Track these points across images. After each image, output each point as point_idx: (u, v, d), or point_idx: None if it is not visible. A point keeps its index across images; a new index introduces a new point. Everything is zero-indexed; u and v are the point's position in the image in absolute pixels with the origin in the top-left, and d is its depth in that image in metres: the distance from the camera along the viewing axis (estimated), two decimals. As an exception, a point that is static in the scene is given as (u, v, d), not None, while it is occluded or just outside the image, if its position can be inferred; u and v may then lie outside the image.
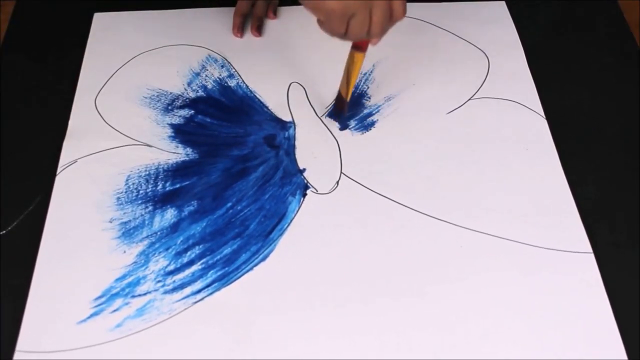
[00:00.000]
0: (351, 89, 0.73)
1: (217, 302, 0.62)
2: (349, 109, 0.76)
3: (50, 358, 0.58)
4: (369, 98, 0.78)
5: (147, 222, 0.67)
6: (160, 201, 0.68)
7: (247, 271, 0.64)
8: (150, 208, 0.68)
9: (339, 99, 0.75)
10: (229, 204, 0.68)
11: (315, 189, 0.70)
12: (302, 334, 0.60)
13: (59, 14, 0.86)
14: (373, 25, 0.62)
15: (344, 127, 0.75)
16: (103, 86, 0.78)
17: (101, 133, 0.74)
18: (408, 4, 0.86)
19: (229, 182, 0.70)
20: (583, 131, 0.75)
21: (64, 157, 0.72)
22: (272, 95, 0.78)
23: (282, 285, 0.63)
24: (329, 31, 0.64)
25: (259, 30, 0.84)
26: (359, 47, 0.68)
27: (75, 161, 0.71)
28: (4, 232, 0.67)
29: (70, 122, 0.75)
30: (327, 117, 0.76)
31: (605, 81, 0.80)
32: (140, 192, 0.69)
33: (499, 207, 0.68)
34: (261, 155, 0.72)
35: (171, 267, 0.64)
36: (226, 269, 0.64)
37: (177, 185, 0.70)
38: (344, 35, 0.63)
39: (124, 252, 0.65)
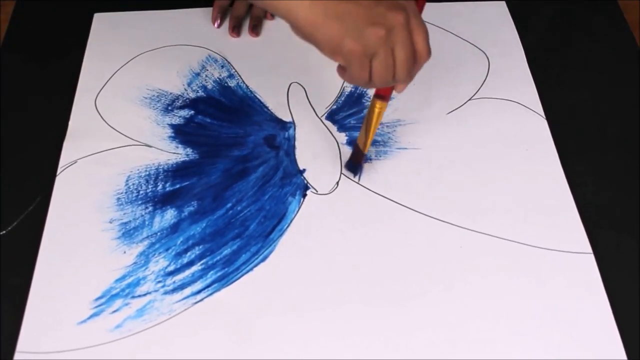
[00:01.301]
0: (369, 141, 0.68)
1: (217, 303, 0.62)
2: (351, 108, 0.76)
3: (51, 358, 0.59)
4: (369, 98, 0.78)
5: (147, 222, 0.67)
6: (160, 202, 0.68)
7: (247, 272, 0.64)
8: (150, 208, 0.68)
9: (356, 150, 0.70)
10: (229, 205, 0.68)
11: (315, 189, 0.70)
12: (302, 334, 0.60)
13: (59, 14, 0.86)
14: (398, 66, 0.57)
15: (359, 176, 0.71)
16: (103, 86, 0.78)
17: (101, 133, 0.74)
18: (408, 4, 0.87)
19: (228, 182, 0.70)
20: (583, 131, 0.75)
21: (64, 158, 0.72)
22: (272, 96, 0.78)
23: (282, 285, 0.63)
24: (352, 79, 0.59)
25: (255, 30, 0.84)
26: (383, 95, 0.65)
27: (76, 162, 0.71)
28: (4, 232, 0.67)
29: (70, 123, 0.75)
30: (344, 169, 0.71)
31: (605, 81, 0.80)
32: (140, 192, 0.69)
33: (499, 207, 0.68)
34: (261, 155, 0.72)
35: (171, 268, 0.64)
36: (226, 269, 0.64)
37: (177, 186, 0.70)
38: (368, 82, 0.58)
39: (124, 252, 0.65)
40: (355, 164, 0.71)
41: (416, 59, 0.58)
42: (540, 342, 0.60)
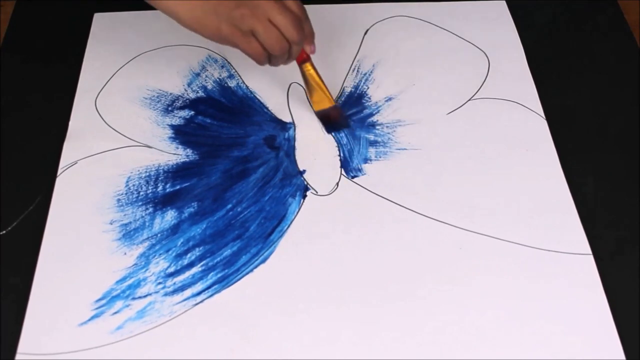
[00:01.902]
0: (328, 94, 0.74)
1: (218, 304, 0.62)
2: (351, 108, 0.76)
3: (52, 359, 0.59)
4: (369, 98, 0.78)
5: (147, 223, 0.67)
6: (161, 203, 0.69)
7: (247, 273, 0.64)
8: (151, 210, 0.68)
9: (327, 114, 0.75)
10: (229, 206, 0.68)
11: (315, 190, 0.70)
12: (302, 335, 0.60)
13: (59, 14, 0.86)
14: (284, 31, 0.64)
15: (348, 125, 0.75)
16: (103, 87, 0.78)
17: (101, 134, 0.74)
18: (408, 4, 0.87)
19: (229, 183, 0.70)
20: (583, 131, 0.75)
21: (65, 159, 0.72)
22: (272, 96, 0.78)
23: (283, 287, 0.63)
24: (255, 58, 0.67)
25: None
26: (302, 60, 0.71)
27: (76, 162, 0.71)
28: (4, 232, 0.67)
29: (70, 123, 0.75)
30: (327, 132, 0.75)
31: (605, 81, 0.80)
32: (141, 193, 0.69)
33: (498, 208, 0.68)
34: (261, 156, 0.73)
35: (171, 269, 0.64)
36: (226, 270, 0.64)
37: (177, 187, 0.70)
38: (268, 55, 0.66)
39: (125, 254, 0.65)
40: (335, 121, 0.75)
41: (299, 18, 0.66)
42: (539, 342, 0.60)
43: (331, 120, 0.75)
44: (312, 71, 0.72)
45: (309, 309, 0.62)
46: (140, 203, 0.69)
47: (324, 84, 0.73)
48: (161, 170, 0.71)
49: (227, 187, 0.70)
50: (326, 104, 0.74)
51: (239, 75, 0.80)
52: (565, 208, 0.68)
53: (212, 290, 0.63)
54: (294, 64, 0.71)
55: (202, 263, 0.64)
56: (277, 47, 0.65)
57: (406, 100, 0.78)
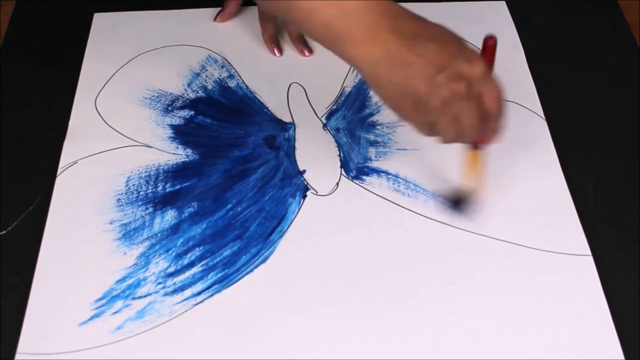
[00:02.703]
0: (483, 184, 0.67)
1: (218, 304, 0.62)
2: (351, 108, 0.76)
3: (51, 359, 0.59)
4: (369, 98, 0.78)
5: (147, 223, 0.67)
6: (161, 203, 0.69)
7: (248, 273, 0.64)
8: (151, 209, 0.68)
9: (461, 197, 0.68)
10: (229, 206, 0.68)
11: (315, 190, 0.70)
12: (303, 335, 0.60)
13: (59, 14, 0.86)
14: (465, 130, 0.56)
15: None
16: (103, 87, 0.78)
17: (101, 134, 0.74)
18: (408, 4, 0.87)
19: (229, 183, 0.70)
20: (583, 131, 0.75)
21: (64, 158, 0.72)
22: (272, 96, 0.78)
23: (283, 287, 0.63)
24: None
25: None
26: (474, 144, 0.63)
27: (76, 162, 0.71)
28: (4, 232, 0.67)
29: (70, 123, 0.75)
30: (446, 206, 0.69)
31: (605, 81, 0.80)
32: (141, 193, 0.69)
33: (498, 208, 0.68)
34: (261, 156, 0.73)
35: (171, 269, 0.64)
36: (226, 270, 0.64)
37: (177, 187, 0.70)
38: (431, 136, 0.58)
39: (125, 253, 0.65)
40: (458, 202, 0.68)
41: (487, 117, 0.56)
42: (538, 342, 0.60)
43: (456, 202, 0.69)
44: (476, 158, 0.64)
45: (309, 309, 0.62)
46: (140, 203, 0.69)
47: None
48: (161, 170, 0.71)
49: (227, 187, 0.70)
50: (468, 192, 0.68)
51: (239, 75, 0.80)
52: (564, 209, 0.68)
53: (212, 290, 0.63)
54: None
55: (202, 263, 0.64)
56: (450, 141, 0.58)
57: (406, 100, 0.78)
